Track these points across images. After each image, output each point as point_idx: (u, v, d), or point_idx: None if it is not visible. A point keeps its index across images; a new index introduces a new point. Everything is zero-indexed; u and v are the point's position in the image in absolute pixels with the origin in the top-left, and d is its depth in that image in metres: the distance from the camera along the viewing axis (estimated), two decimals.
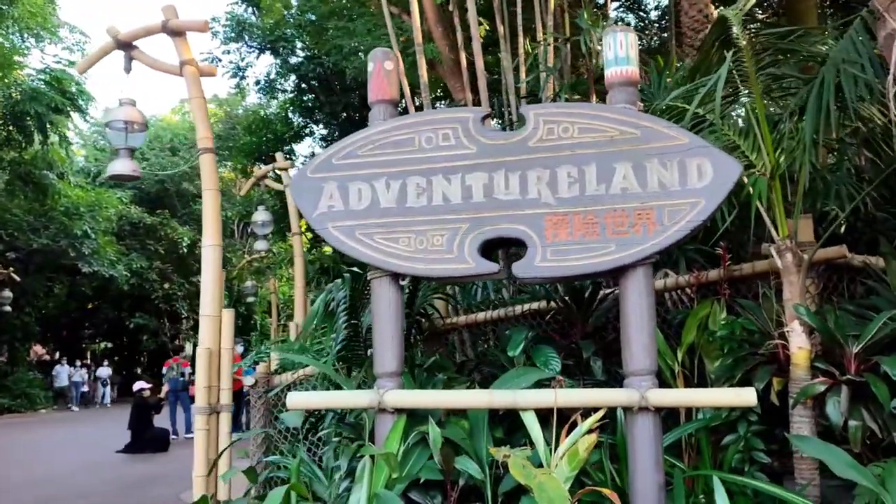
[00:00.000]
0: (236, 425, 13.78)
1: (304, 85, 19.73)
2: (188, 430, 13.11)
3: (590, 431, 2.83)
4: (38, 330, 24.36)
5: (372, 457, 3.10)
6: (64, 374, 24.23)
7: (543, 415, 3.08)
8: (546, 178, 3.19)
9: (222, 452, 4.63)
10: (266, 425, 5.53)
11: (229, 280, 32.68)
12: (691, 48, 7.98)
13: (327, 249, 17.56)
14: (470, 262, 3.24)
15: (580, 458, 2.79)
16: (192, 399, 12.58)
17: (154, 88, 72.16)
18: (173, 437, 12.75)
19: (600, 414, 2.92)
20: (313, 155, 20.31)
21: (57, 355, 29.31)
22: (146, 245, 27.99)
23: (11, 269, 19.30)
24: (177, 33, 4.97)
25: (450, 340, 5.55)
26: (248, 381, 5.58)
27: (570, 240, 3.13)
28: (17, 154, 17.94)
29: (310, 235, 19.09)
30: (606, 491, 2.69)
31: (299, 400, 3.75)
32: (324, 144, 21.28)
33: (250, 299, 19.11)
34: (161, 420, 13.30)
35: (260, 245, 10.08)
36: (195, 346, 16.80)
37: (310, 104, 20.36)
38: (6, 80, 16.27)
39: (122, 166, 5.14)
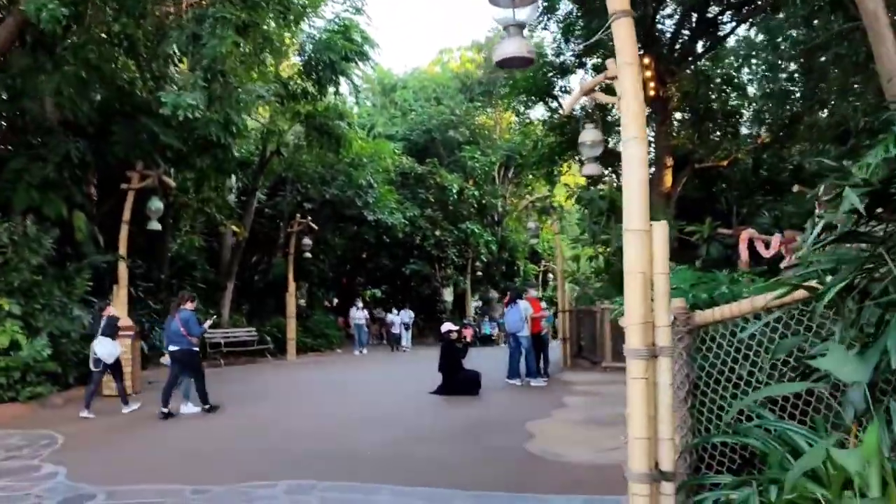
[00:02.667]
0: (537, 370, 13.22)
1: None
2: (512, 374, 12.75)
3: None
4: (331, 276, 26.24)
5: None
6: (361, 317, 25.38)
7: None
8: None
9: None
10: (688, 375, 4.29)
11: (494, 225, 32.94)
12: None
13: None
14: None
15: None
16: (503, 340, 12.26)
17: (412, 42, 74.99)
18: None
19: None
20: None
21: (335, 301, 31.39)
22: (417, 194, 28.83)
23: (309, 218, 20.58)
24: None
25: None
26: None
27: None
28: (312, 107, 18.85)
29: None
30: None
31: None
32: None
33: (533, 241, 18.34)
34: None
35: (589, 169, 8.87)
36: (454, 289, 16.17)
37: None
38: (300, 33, 17.02)
39: (513, 47, 4.14)
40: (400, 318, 25.86)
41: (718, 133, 17.97)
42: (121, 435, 8.52)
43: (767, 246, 12.91)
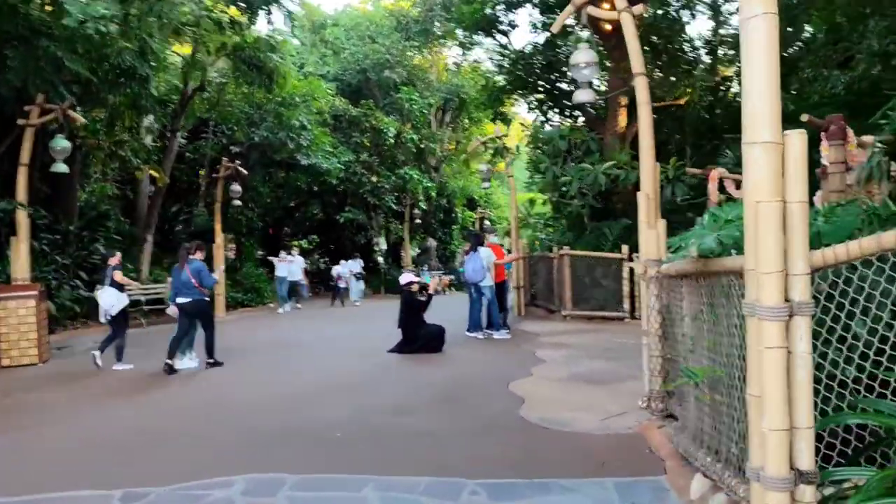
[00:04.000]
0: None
1: None
2: (473, 326, 11.78)
3: None
4: (261, 225, 24.51)
5: None
6: (285, 268, 23.19)
7: None
8: None
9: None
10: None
11: (432, 171, 31.64)
12: None
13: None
14: None
15: None
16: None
17: None
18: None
19: None
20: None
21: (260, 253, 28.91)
22: (351, 138, 27.21)
23: (238, 162, 18.80)
24: None
25: None
26: None
27: None
28: (240, 38, 16.92)
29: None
30: None
31: None
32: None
33: (485, 185, 17.17)
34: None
35: (582, 96, 7.71)
36: (388, 238, 15.03)
37: None
38: None
39: None
40: (349, 270, 23.60)
41: (677, 69, 17.12)
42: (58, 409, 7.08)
43: (739, 186, 12.28)
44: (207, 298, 9.71)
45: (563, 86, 18.51)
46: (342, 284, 23.04)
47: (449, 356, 10.05)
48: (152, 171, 17.89)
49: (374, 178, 27.90)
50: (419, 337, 10.25)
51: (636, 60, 6.34)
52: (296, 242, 33.44)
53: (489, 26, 19.02)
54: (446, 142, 31.96)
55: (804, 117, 6.96)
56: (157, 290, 16.97)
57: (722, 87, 16.84)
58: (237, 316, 18.78)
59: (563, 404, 6.67)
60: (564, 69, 17.79)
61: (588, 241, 14.43)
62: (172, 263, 19.38)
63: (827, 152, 7.05)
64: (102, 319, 9.81)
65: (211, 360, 9.56)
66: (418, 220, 30.60)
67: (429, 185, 29.25)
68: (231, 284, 19.82)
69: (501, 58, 19.56)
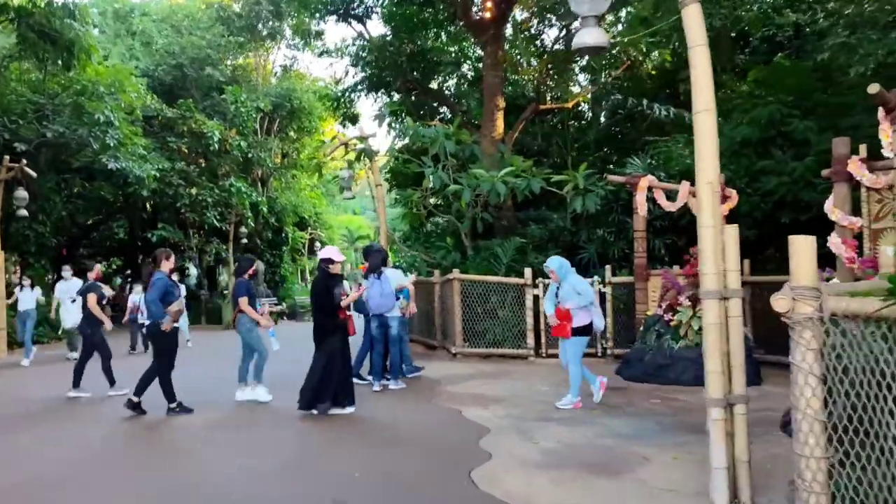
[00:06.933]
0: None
1: None
2: (375, 373, 9.22)
3: None
4: (54, 243, 19.77)
5: None
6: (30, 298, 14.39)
7: None
8: None
9: None
10: None
11: (260, 184, 28.21)
12: None
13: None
14: None
15: None
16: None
17: None
18: None
19: None
20: None
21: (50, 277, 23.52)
22: (167, 143, 23.23)
23: (25, 161, 14.58)
24: None
25: None
26: None
27: None
28: (28, 1, 12.97)
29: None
30: None
31: None
32: None
33: (347, 195, 14.45)
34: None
35: (589, 36, 5.48)
36: (236, 260, 12.14)
37: None
38: None
39: None
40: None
41: (566, 69, 15.78)
42: None
43: (671, 197, 10.98)
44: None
45: (434, 84, 16.60)
46: (143, 318, 14.80)
47: (359, 423, 7.45)
48: None
49: (192, 191, 24.05)
50: (329, 374, 7.54)
51: None
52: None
53: (342, 10, 16.55)
54: (275, 152, 28.75)
55: (873, 88, 5.28)
56: None
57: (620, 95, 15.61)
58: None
59: None
60: (435, 61, 15.90)
61: (478, 264, 12.47)
62: None
63: (889, 139, 5.48)
64: None
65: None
66: (244, 240, 27.05)
67: (258, 199, 25.88)
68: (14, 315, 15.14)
69: (356, 48, 17.20)
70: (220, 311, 24.71)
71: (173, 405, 7.84)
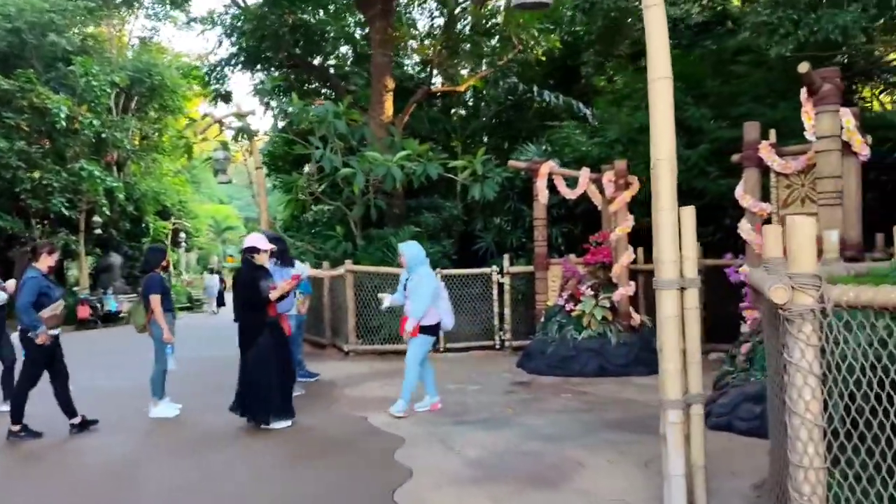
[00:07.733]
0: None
1: None
2: None
3: None
4: None
5: None
6: None
7: None
8: None
9: None
10: None
11: (116, 169, 25.71)
12: None
13: None
14: None
15: None
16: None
17: None
18: None
19: None
20: None
21: None
22: (2, 119, 20.48)
23: None
24: None
25: None
26: None
27: None
28: None
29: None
30: None
31: None
32: None
33: (223, 178, 13.05)
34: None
35: None
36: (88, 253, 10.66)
37: None
38: None
39: None
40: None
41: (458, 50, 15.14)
42: None
43: (571, 184, 10.67)
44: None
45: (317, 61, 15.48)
46: None
47: (260, 439, 6.47)
48: None
49: (35, 174, 21.38)
50: (267, 381, 6.52)
51: None
52: None
53: None
54: (133, 133, 26.28)
55: (803, 66, 5.05)
56: None
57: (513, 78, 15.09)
58: None
59: None
60: (320, 34, 14.81)
61: (371, 254, 11.66)
62: None
63: (812, 121, 5.39)
64: None
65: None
66: (98, 231, 24.51)
67: (114, 185, 23.43)
68: None
69: (230, 17, 15.75)
70: (73, 311, 22.22)
71: (16, 428, 6.49)
